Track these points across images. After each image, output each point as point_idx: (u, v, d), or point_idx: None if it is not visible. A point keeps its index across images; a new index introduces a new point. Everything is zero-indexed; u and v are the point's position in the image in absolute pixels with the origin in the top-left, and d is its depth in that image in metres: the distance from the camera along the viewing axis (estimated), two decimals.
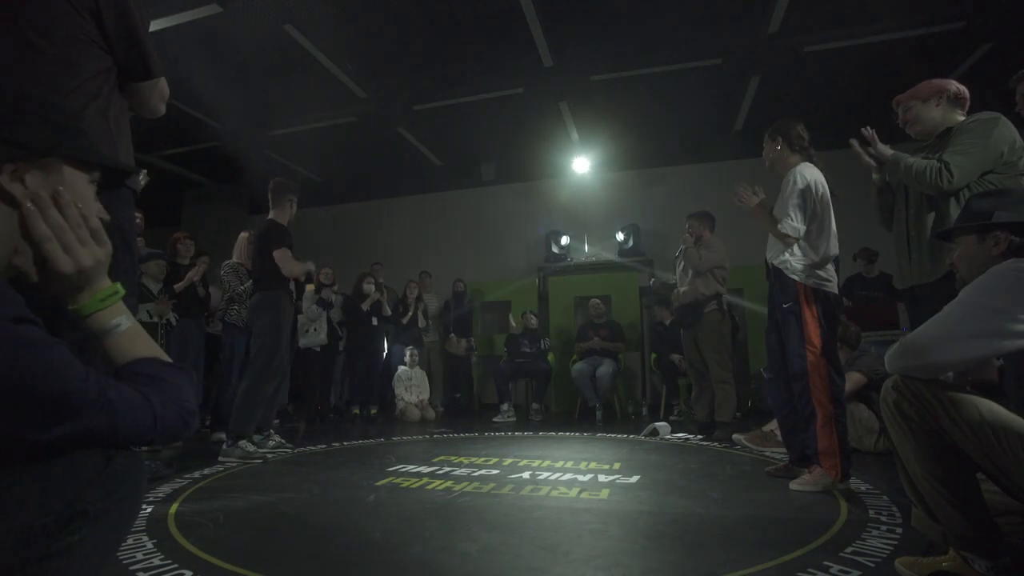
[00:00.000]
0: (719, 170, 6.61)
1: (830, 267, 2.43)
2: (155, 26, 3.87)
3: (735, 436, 3.57)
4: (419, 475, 2.73)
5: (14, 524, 0.58)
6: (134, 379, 0.72)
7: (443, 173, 7.66)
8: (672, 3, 4.34)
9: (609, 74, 5.24)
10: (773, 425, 3.32)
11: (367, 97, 5.61)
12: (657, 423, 4.16)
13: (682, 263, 4.21)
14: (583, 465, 2.96)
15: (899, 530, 1.76)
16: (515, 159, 7.33)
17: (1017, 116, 2.18)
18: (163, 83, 1.50)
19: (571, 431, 4.49)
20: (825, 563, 1.48)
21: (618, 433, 4.32)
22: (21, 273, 0.71)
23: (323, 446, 3.78)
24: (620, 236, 6.84)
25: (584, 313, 6.49)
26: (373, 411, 5.85)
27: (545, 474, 2.73)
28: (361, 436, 4.31)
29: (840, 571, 1.44)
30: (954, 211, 1.99)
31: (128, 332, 0.77)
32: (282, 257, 3.34)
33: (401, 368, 5.80)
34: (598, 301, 5.93)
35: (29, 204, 0.69)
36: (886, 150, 2.23)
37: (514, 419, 5.39)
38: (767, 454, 3.20)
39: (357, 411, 5.81)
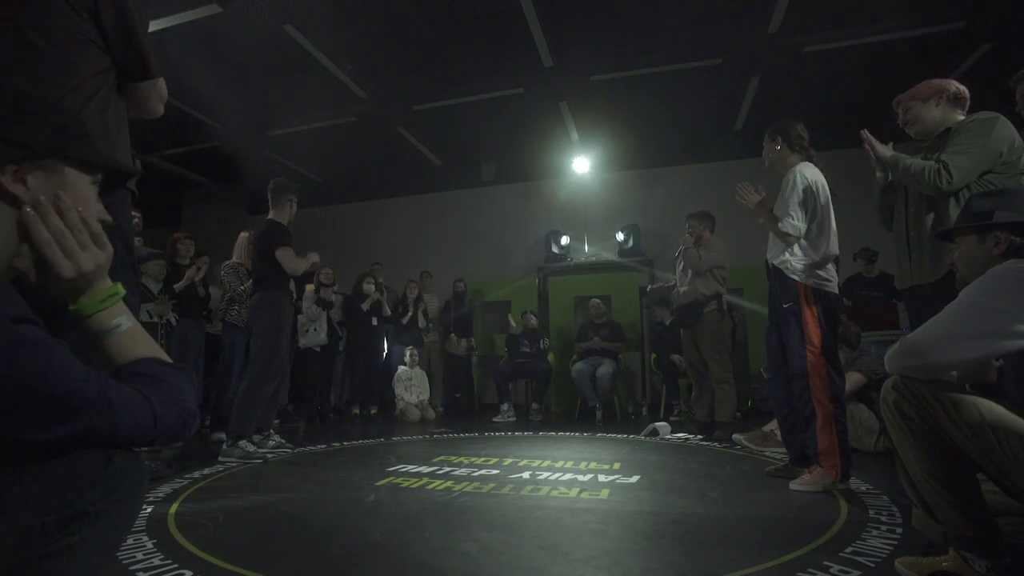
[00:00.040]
0: (719, 170, 6.61)
1: (830, 267, 2.43)
2: (155, 26, 3.88)
3: (735, 436, 3.57)
4: (419, 475, 2.73)
5: (14, 524, 0.58)
6: (134, 379, 0.72)
7: (443, 173, 7.66)
8: (672, 3, 4.34)
9: (609, 74, 5.24)
10: (773, 425, 3.32)
11: (367, 97, 5.61)
12: (657, 423, 4.16)
13: (682, 263, 4.21)
14: (583, 465, 2.96)
15: (899, 530, 1.76)
16: (515, 159, 7.33)
17: (1017, 116, 2.18)
18: (161, 84, 1.50)
19: (571, 431, 4.49)
20: (825, 563, 1.48)
21: (618, 433, 4.32)
22: (22, 275, 0.71)
23: (323, 446, 3.78)
24: (620, 236, 6.84)
25: (584, 313, 6.49)
26: (373, 411, 5.85)
27: (545, 474, 2.73)
28: (361, 436, 4.31)
29: (840, 571, 1.44)
30: (953, 211, 1.99)
31: (129, 332, 0.77)
32: (284, 256, 3.35)
33: (401, 368, 5.80)
34: (598, 301, 5.93)
35: (29, 209, 0.69)
36: (885, 151, 2.23)
37: (514, 419, 5.39)
38: (767, 454, 3.20)
39: (357, 411, 5.81)
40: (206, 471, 2.90)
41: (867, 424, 3.22)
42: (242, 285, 4.15)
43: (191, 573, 1.48)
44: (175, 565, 1.53)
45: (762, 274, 2.72)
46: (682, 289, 4.15)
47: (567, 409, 6.20)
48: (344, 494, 2.38)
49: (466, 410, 6.42)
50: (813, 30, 4.61)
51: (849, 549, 1.60)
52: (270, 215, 3.51)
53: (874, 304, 5.01)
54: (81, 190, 0.76)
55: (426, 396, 5.82)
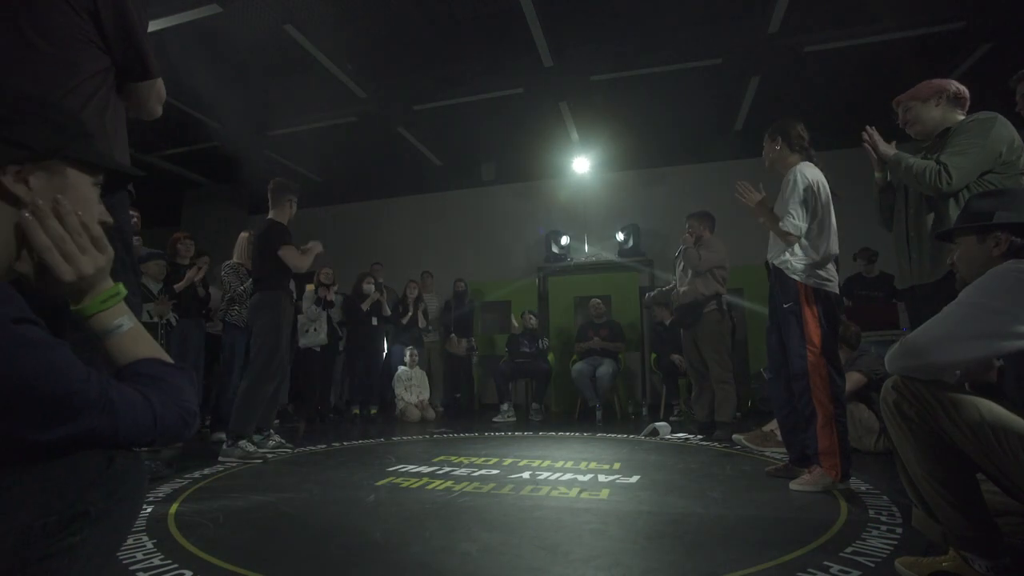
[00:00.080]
0: (719, 170, 6.61)
1: (831, 267, 2.43)
2: (155, 26, 3.88)
3: (735, 436, 3.57)
4: (419, 475, 2.73)
5: (15, 524, 0.58)
6: (135, 380, 0.72)
7: (443, 173, 7.66)
8: (672, 3, 4.34)
9: (609, 74, 5.24)
10: (773, 425, 3.32)
11: (367, 97, 5.61)
12: (657, 423, 4.16)
13: (682, 263, 4.21)
14: (583, 465, 2.96)
15: (899, 530, 1.76)
16: (515, 159, 7.33)
17: (1017, 116, 2.18)
18: (160, 84, 1.50)
19: (571, 431, 4.49)
20: (825, 563, 1.48)
21: (618, 433, 4.32)
22: (23, 277, 0.71)
23: (323, 446, 3.78)
24: (620, 236, 6.84)
25: (584, 313, 6.49)
26: (373, 411, 5.85)
27: (545, 474, 2.73)
28: (361, 436, 4.31)
29: (840, 571, 1.44)
30: (953, 211, 1.99)
31: (130, 333, 0.77)
32: (288, 254, 3.35)
33: (401, 368, 5.80)
34: (598, 301, 5.93)
35: (28, 215, 0.69)
36: (888, 150, 2.22)
37: (514, 419, 5.39)
38: (767, 454, 3.20)
39: (357, 411, 5.81)
40: (206, 471, 2.90)
41: (867, 424, 3.22)
42: (242, 285, 4.15)
43: (191, 573, 1.48)
44: (175, 565, 1.53)
45: (762, 274, 2.72)
46: (682, 289, 4.15)
47: (567, 409, 6.20)
48: (344, 494, 2.38)
49: (466, 410, 6.42)
50: (813, 30, 4.61)
51: (849, 549, 1.60)
52: (270, 215, 3.51)
53: (874, 304, 5.02)
54: (83, 191, 0.76)
55: (426, 396, 5.82)
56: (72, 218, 0.72)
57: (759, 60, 4.94)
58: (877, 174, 2.37)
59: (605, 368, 5.34)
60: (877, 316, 4.53)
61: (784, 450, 2.76)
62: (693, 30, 4.69)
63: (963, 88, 2.15)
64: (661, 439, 3.93)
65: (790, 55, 4.83)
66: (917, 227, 2.16)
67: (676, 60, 5.03)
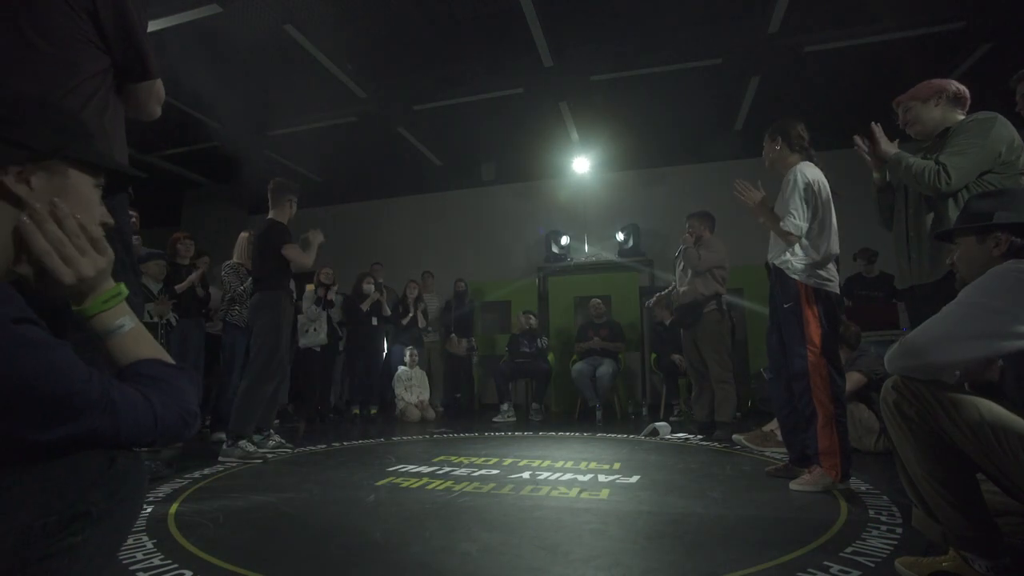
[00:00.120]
0: (719, 170, 6.60)
1: (831, 267, 2.43)
2: (155, 26, 3.88)
3: (735, 436, 3.57)
4: (419, 475, 2.73)
5: (15, 524, 0.58)
6: (136, 380, 0.72)
7: (443, 173, 7.66)
8: (672, 3, 4.33)
9: (609, 74, 5.23)
10: (773, 425, 3.32)
11: (367, 97, 5.61)
12: (657, 423, 4.16)
13: (682, 263, 4.21)
14: (583, 465, 2.96)
15: (899, 530, 1.76)
16: (515, 159, 7.33)
17: (1017, 116, 2.18)
18: (159, 85, 1.50)
19: (571, 431, 4.49)
20: (825, 563, 1.48)
21: (618, 433, 4.32)
22: (23, 279, 0.71)
23: (323, 446, 3.78)
24: (620, 236, 6.84)
25: (584, 313, 6.49)
26: (373, 411, 5.85)
27: (545, 474, 2.73)
28: (361, 436, 4.31)
29: (840, 571, 1.44)
30: (952, 212, 1.99)
31: (131, 333, 0.77)
32: (291, 252, 3.36)
33: (401, 368, 5.80)
34: (598, 301, 5.93)
35: (26, 219, 0.69)
36: (890, 148, 2.22)
37: (514, 419, 5.39)
38: (767, 454, 3.20)
39: (357, 411, 5.81)
40: (206, 471, 2.90)
41: (867, 424, 3.22)
42: (242, 285, 4.15)
43: (191, 573, 1.48)
44: (175, 565, 1.53)
45: (762, 274, 2.72)
46: (682, 289, 4.15)
47: (567, 409, 6.20)
48: (344, 494, 2.38)
49: (466, 410, 6.42)
50: (813, 30, 4.60)
51: (849, 549, 1.60)
52: (270, 215, 3.51)
53: (874, 304, 5.02)
54: (84, 192, 0.76)
55: (426, 396, 5.82)
56: (70, 221, 0.71)
57: (759, 60, 4.94)
58: (875, 174, 2.37)
59: (605, 368, 5.34)
60: (877, 316, 4.53)
61: (784, 450, 2.76)
62: (693, 30, 4.69)
63: (963, 88, 2.15)
64: (661, 439, 3.93)
65: (790, 55, 4.83)
66: (917, 227, 2.16)
67: (676, 60, 5.02)
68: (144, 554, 1.62)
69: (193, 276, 4.24)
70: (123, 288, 0.78)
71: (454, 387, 6.50)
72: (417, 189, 7.94)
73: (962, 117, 2.13)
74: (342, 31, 4.53)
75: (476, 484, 2.51)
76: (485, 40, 4.81)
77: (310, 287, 5.33)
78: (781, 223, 2.40)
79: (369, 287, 5.82)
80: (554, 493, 2.34)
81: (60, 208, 0.71)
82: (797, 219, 2.38)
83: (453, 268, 7.04)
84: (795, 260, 2.41)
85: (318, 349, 5.31)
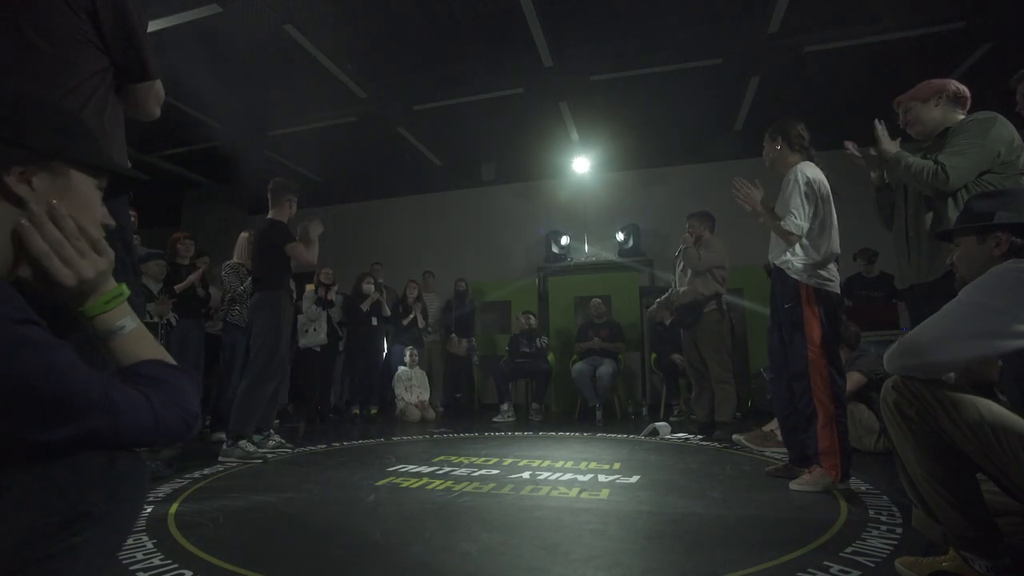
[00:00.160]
0: (719, 170, 6.60)
1: (832, 266, 2.43)
2: (155, 26, 3.87)
3: (735, 436, 3.57)
4: (419, 475, 2.73)
5: (16, 524, 0.58)
6: (137, 381, 0.72)
7: (443, 173, 7.66)
8: (672, 3, 4.33)
9: (609, 74, 5.23)
10: (773, 425, 3.32)
11: (367, 97, 5.61)
12: (657, 423, 4.16)
13: (681, 263, 4.21)
14: (583, 465, 2.96)
15: (899, 530, 1.76)
16: (515, 159, 7.33)
17: (1017, 116, 2.18)
18: (159, 86, 1.50)
19: (571, 431, 4.49)
20: (825, 563, 1.48)
21: (618, 433, 4.32)
22: (24, 281, 0.71)
23: (323, 446, 3.78)
24: (620, 236, 6.84)
25: (584, 313, 6.49)
26: (373, 411, 5.85)
27: (545, 474, 2.73)
28: (361, 436, 4.31)
29: (840, 571, 1.44)
30: (952, 211, 2.00)
31: (132, 334, 0.77)
32: (295, 250, 3.37)
33: (401, 368, 5.80)
34: (599, 301, 5.93)
35: (25, 222, 0.69)
36: (892, 147, 2.21)
37: (514, 419, 5.39)
38: (767, 454, 3.20)
39: (357, 411, 5.81)
40: (206, 471, 2.90)
41: (867, 424, 3.22)
42: (242, 285, 4.15)
43: (191, 573, 1.48)
44: (175, 565, 1.53)
45: (762, 274, 2.71)
46: (681, 289, 4.15)
47: (567, 409, 6.20)
48: (344, 494, 2.38)
49: (466, 410, 6.42)
50: (813, 30, 4.60)
51: (849, 549, 1.60)
52: (270, 215, 3.51)
53: (874, 304, 5.02)
54: (85, 194, 0.76)
55: (426, 396, 5.82)
56: (68, 222, 0.71)
57: (759, 60, 4.94)
58: (873, 174, 2.37)
59: (605, 368, 5.34)
60: (877, 316, 4.53)
61: (784, 450, 2.76)
62: (693, 30, 4.69)
63: (963, 88, 2.15)
64: (661, 439, 3.93)
65: (790, 55, 4.83)
66: (916, 227, 2.16)
67: (676, 60, 5.02)
68: (144, 554, 1.62)
69: (193, 276, 4.24)
70: (124, 289, 0.78)
71: (454, 387, 6.50)
72: (417, 189, 7.94)
73: (962, 117, 2.13)
74: (342, 31, 4.53)
75: (476, 484, 2.51)
76: (485, 40, 4.81)
77: (310, 287, 5.33)
78: (782, 222, 2.40)
79: (369, 287, 5.82)
80: (554, 493, 2.34)
81: (58, 210, 0.71)
82: (798, 218, 2.37)
83: (453, 268, 7.04)
84: (796, 260, 2.40)
85: (318, 349, 5.31)
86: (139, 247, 3.88)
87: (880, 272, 5.23)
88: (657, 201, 6.98)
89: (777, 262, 2.48)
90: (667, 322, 5.24)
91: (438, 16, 4.48)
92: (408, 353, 5.83)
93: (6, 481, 0.60)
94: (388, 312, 6.01)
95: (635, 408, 6.11)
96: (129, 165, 1.55)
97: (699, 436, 3.89)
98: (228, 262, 4.34)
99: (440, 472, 2.80)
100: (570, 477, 2.65)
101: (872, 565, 1.48)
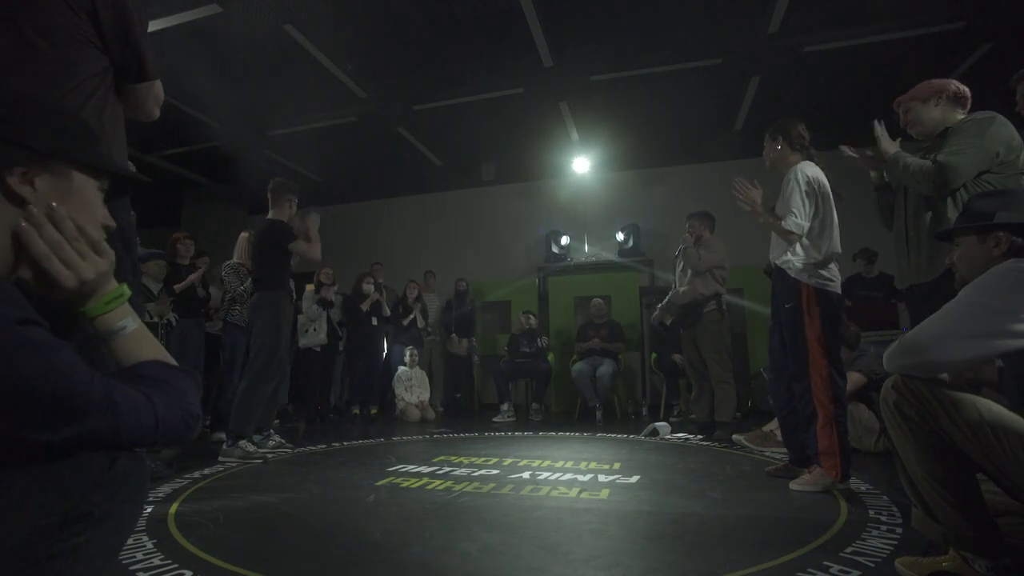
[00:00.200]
0: (719, 170, 6.60)
1: (833, 266, 2.43)
2: (155, 26, 3.87)
3: (735, 436, 3.57)
4: (419, 475, 2.73)
5: (17, 524, 0.58)
6: (138, 381, 0.72)
7: (443, 173, 7.66)
8: (672, 3, 4.33)
9: (609, 74, 5.24)
10: (773, 425, 3.32)
11: (367, 97, 5.61)
12: (657, 423, 4.16)
13: (681, 263, 4.21)
14: (583, 465, 2.96)
15: (899, 530, 1.76)
16: (515, 159, 7.33)
17: (1017, 116, 2.18)
18: (158, 86, 1.50)
19: (571, 431, 4.49)
20: (825, 563, 1.48)
21: (618, 433, 4.32)
22: (25, 283, 0.71)
23: (323, 446, 3.78)
24: (620, 236, 6.84)
25: (584, 313, 6.49)
26: (373, 411, 5.86)
27: (545, 474, 2.73)
28: (361, 436, 4.31)
29: (840, 571, 1.44)
30: (951, 211, 1.99)
31: (134, 334, 0.77)
32: (299, 248, 3.38)
33: (401, 368, 5.80)
34: (600, 300, 5.92)
35: (24, 224, 0.69)
36: (891, 147, 2.21)
37: (514, 419, 5.39)
38: (767, 454, 3.20)
39: (357, 411, 5.81)
40: (206, 471, 2.90)
41: (867, 424, 3.22)
42: (242, 285, 4.15)
43: (191, 573, 1.48)
44: (175, 565, 1.53)
45: (762, 274, 2.71)
46: (681, 289, 4.15)
47: (567, 409, 6.20)
48: (344, 494, 2.38)
49: (466, 410, 6.42)
50: (813, 30, 4.61)
51: (849, 549, 1.60)
52: (270, 215, 3.51)
53: (874, 304, 5.02)
54: (87, 195, 0.77)
55: (426, 396, 5.82)
56: (67, 223, 0.71)
57: (759, 60, 4.94)
58: (873, 173, 2.37)
59: (605, 368, 5.34)
60: (877, 316, 4.53)
61: (784, 450, 2.76)
62: (693, 30, 4.69)
63: (963, 88, 2.14)
64: (661, 439, 3.93)
65: (790, 55, 4.83)
66: (916, 227, 2.16)
67: (676, 60, 5.02)
68: (144, 554, 1.62)
69: (193, 276, 4.24)
70: (126, 290, 0.78)
71: (454, 387, 6.50)
72: (417, 189, 7.94)
73: (962, 117, 2.13)
74: (342, 31, 4.53)
75: (476, 484, 2.51)
76: (485, 40, 4.81)
77: (310, 287, 5.33)
78: (782, 222, 2.40)
79: (369, 287, 5.82)
80: (554, 493, 2.34)
81: (57, 211, 0.71)
82: (798, 218, 2.37)
83: (453, 268, 7.05)
84: (796, 260, 2.40)
85: (318, 349, 5.31)
86: (138, 247, 3.89)
87: (880, 272, 5.23)
88: (657, 201, 6.98)
89: (778, 262, 2.48)
90: (668, 322, 5.24)
91: (438, 16, 4.48)
92: (408, 353, 5.83)
93: (6, 481, 0.60)
94: (388, 312, 6.01)
95: (635, 408, 6.12)
96: (132, 166, 1.55)
97: (699, 436, 3.89)
98: (228, 262, 4.34)
99: (440, 472, 2.80)
100: (570, 477, 2.65)
101: (872, 565, 1.48)
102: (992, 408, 1.21)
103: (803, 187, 2.39)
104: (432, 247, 7.64)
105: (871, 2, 4.24)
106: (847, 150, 2.37)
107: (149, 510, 2.10)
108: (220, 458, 3.14)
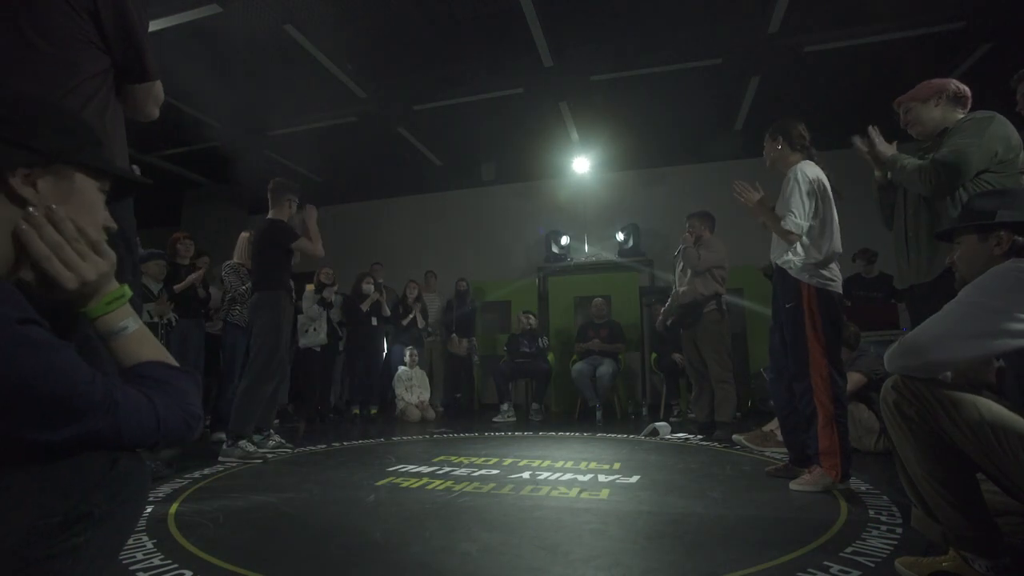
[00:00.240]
0: (719, 170, 6.61)
1: (834, 266, 2.43)
2: (155, 26, 3.87)
3: (735, 436, 3.57)
4: (419, 475, 2.73)
5: (17, 524, 0.58)
6: (139, 382, 0.72)
7: (443, 173, 7.65)
8: (672, 3, 4.33)
9: (609, 74, 5.23)
10: (773, 425, 3.32)
11: (367, 97, 5.61)
12: (657, 423, 4.16)
13: (681, 263, 4.21)
14: (583, 465, 2.96)
15: (899, 530, 1.76)
16: (515, 159, 7.33)
17: (1017, 116, 2.18)
18: (158, 87, 1.50)
19: (571, 431, 4.49)
20: (825, 563, 1.48)
21: (618, 433, 4.32)
22: (26, 284, 0.71)
23: (323, 446, 3.78)
24: (620, 236, 6.84)
25: (584, 313, 6.49)
26: (373, 411, 5.85)
27: (545, 474, 2.73)
28: (361, 436, 4.31)
29: (840, 571, 1.44)
30: (951, 211, 1.99)
31: (135, 335, 0.77)
32: (302, 246, 3.39)
33: (401, 368, 5.80)
34: (601, 300, 5.92)
35: (24, 226, 0.69)
36: (888, 150, 2.22)
37: (514, 419, 5.39)
38: (767, 454, 3.20)
39: (357, 411, 5.81)
40: (206, 471, 2.90)
41: (867, 424, 3.22)
42: (243, 285, 4.15)
43: (191, 573, 1.48)
44: (175, 565, 1.53)
45: (762, 274, 2.71)
46: (681, 289, 4.15)
47: (567, 409, 6.20)
48: (344, 494, 2.38)
49: (466, 410, 6.42)
50: (813, 30, 4.60)
51: (849, 549, 1.60)
52: (270, 215, 3.51)
53: (874, 304, 5.02)
54: (89, 196, 0.77)
55: (426, 396, 5.82)
56: (67, 225, 0.71)
57: (759, 60, 4.94)
58: (876, 173, 2.37)
59: (605, 368, 5.33)
60: (877, 316, 4.53)
61: (784, 450, 2.76)
62: (693, 30, 4.68)
63: (963, 87, 2.14)
64: (661, 439, 3.93)
65: (790, 55, 4.83)
66: (916, 227, 2.15)
67: (676, 60, 5.02)
68: (144, 554, 1.62)
69: (193, 276, 4.24)
70: (127, 290, 0.78)
71: (454, 387, 6.50)
72: (417, 189, 7.94)
73: (962, 116, 2.13)
74: (342, 31, 4.53)
75: (476, 484, 2.51)
76: (485, 40, 4.81)
77: (310, 287, 5.33)
78: (782, 222, 2.40)
79: (369, 287, 5.82)
80: (554, 493, 2.34)
81: (56, 212, 0.71)
82: (798, 217, 2.37)
83: (453, 268, 7.05)
84: (797, 260, 2.40)
85: (318, 349, 5.31)
86: (139, 247, 3.89)
87: (880, 272, 5.23)
88: (657, 201, 6.98)
89: (779, 262, 2.48)
90: (668, 322, 5.24)
91: (438, 16, 4.48)
92: (408, 353, 5.83)
93: (6, 481, 0.60)
94: (388, 312, 6.01)
95: (635, 408, 6.12)
96: (134, 167, 1.55)
97: (699, 436, 3.89)
98: (228, 262, 4.34)
99: (440, 472, 2.80)
100: (570, 477, 2.65)
101: (872, 565, 1.48)
102: (992, 408, 1.21)
103: (803, 187, 2.39)
104: (432, 247, 7.64)
105: (871, 2, 4.24)
106: (859, 141, 2.34)
107: (149, 510, 2.10)
108: (220, 458, 3.14)
